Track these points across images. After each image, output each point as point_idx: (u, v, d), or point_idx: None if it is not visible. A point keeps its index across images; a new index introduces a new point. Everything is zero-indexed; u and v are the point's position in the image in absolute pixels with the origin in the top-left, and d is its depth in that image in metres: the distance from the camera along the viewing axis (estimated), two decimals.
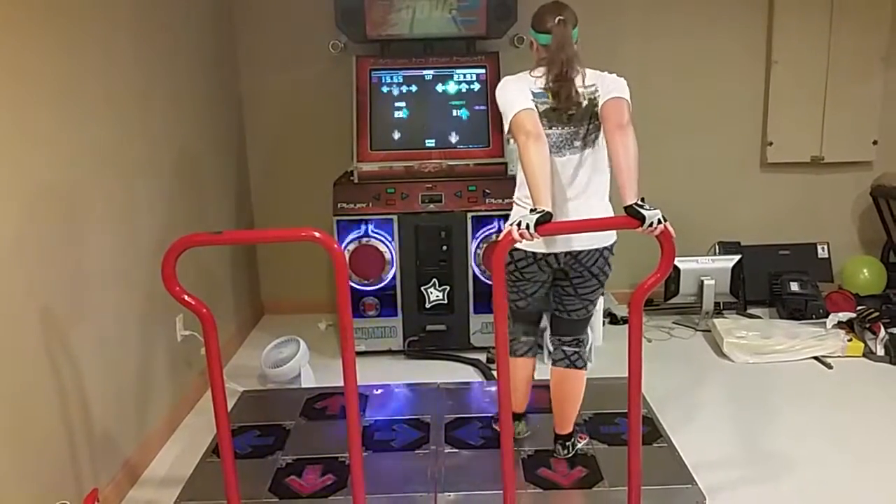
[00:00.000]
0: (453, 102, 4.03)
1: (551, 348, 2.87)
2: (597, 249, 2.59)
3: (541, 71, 2.54)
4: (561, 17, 2.49)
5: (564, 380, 2.78)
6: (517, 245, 2.51)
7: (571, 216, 2.54)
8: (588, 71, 2.54)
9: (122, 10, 2.93)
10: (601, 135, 2.54)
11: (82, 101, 2.58)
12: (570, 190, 2.55)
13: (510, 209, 2.70)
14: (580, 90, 2.50)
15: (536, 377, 2.92)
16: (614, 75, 2.54)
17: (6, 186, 2.15)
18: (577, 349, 2.76)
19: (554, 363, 2.82)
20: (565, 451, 2.87)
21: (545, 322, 2.93)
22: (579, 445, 2.91)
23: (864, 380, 3.63)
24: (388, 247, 3.86)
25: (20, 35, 2.24)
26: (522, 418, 2.99)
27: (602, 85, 2.51)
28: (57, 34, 2.44)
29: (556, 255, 2.58)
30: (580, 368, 2.77)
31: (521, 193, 2.60)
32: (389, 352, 4.01)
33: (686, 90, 4.52)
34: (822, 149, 4.58)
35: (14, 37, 2.20)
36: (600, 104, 2.48)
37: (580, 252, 2.57)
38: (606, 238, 2.59)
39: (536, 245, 2.54)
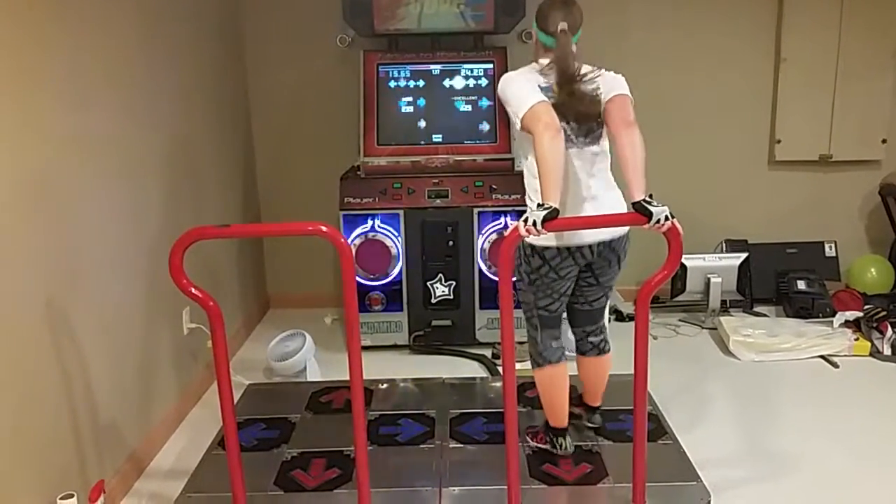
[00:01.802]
0: (460, 97, 4.02)
1: (568, 350, 2.87)
2: (622, 236, 2.62)
3: (544, 67, 2.54)
4: (564, 26, 2.46)
5: (597, 366, 2.91)
6: (547, 243, 2.51)
7: (586, 210, 2.54)
8: (586, 67, 2.53)
9: (129, 1, 2.93)
10: (604, 131, 2.56)
11: (87, 93, 2.58)
12: (578, 186, 2.55)
13: (517, 205, 2.70)
14: (585, 92, 2.50)
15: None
16: (612, 73, 2.55)
17: (8, 177, 2.15)
18: (602, 335, 2.88)
19: (584, 354, 2.89)
20: (600, 420, 3.02)
21: None
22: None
23: (870, 379, 3.62)
24: (394, 242, 3.86)
25: (25, 27, 2.24)
26: (567, 433, 2.87)
27: (603, 83, 2.52)
28: (62, 26, 2.44)
29: (589, 246, 2.57)
30: (609, 352, 2.90)
31: (532, 188, 2.59)
32: (395, 346, 4.01)
33: (694, 87, 4.50)
34: (830, 147, 4.56)
35: (19, 28, 2.21)
36: (604, 101, 2.49)
37: (612, 240, 2.59)
38: None
39: (569, 239, 2.54)
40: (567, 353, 2.82)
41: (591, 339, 2.85)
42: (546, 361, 2.75)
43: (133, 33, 2.96)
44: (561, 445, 2.83)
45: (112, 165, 2.76)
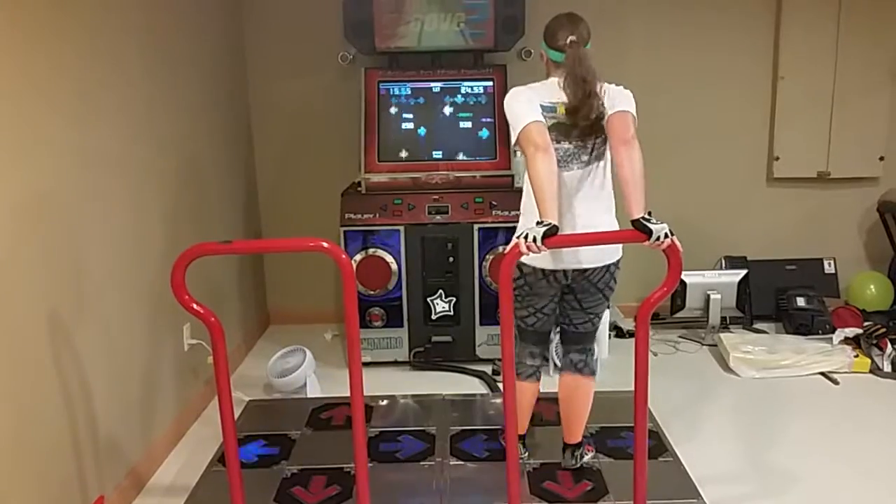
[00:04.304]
0: (461, 115, 4.06)
1: (558, 361, 2.87)
2: (604, 266, 2.60)
3: (552, 84, 2.55)
4: (573, 38, 2.47)
5: (571, 386, 2.80)
6: (525, 260, 2.52)
7: (578, 230, 2.54)
8: (596, 81, 2.53)
9: (133, 18, 2.95)
10: (608, 149, 2.55)
11: (91, 108, 2.60)
12: (576, 204, 2.55)
13: (516, 221, 2.71)
14: (593, 104, 2.48)
15: (542, 389, 2.91)
16: (621, 88, 2.53)
17: (13, 192, 2.16)
18: (582, 356, 2.79)
19: (561, 371, 2.85)
20: (573, 461, 2.87)
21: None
22: (586, 458, 2.90)
23: (870, 396, 3.62)
24: (394, 258, 3.87)
25: (32, 42, 2.26)
26: (521, 439, 2.94)
27: (608, 98, 2.50)
28: (68, 42, 2.46)
29: (564, 271, 2.59)
30: (586, 375, 2.78)
31: (527, 205, 2.60)
32: (395, 363, 4.01)
33: (693, 104, 4.52)
34: (828, 164, 4.58)
35: (26, 44, 2.23)
36: (606, 117, 2.48)
37: (587, 269, 2.59)
38: (613, 254, 2.61)
39: (544, 261, 2.54)
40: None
41: (572, 356, 2.81)
42: (516, 375, 2.74)
43: (137, 51, 2.98)
44: None
45: (115, 182, 2.77)
